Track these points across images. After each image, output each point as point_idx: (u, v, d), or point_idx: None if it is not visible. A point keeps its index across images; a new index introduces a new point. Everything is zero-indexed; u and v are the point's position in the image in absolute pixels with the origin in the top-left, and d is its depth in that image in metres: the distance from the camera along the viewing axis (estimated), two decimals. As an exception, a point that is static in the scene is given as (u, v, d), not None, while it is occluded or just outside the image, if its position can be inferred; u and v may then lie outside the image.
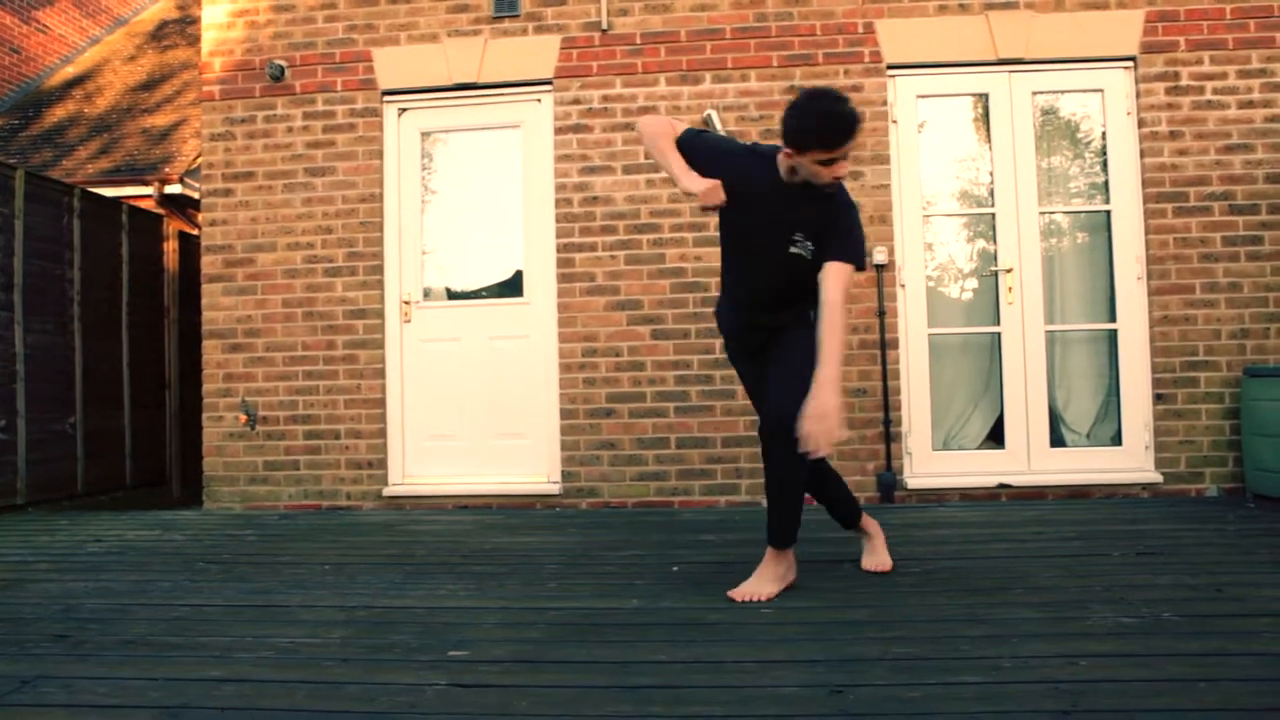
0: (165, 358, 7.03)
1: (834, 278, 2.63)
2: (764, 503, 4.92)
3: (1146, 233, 4.87)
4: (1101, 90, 4.99)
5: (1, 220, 5.38)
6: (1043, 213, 5.02)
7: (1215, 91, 4.86)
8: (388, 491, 5.13)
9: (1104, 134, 5.01)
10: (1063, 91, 5.06)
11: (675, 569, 3.26)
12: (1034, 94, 5.02)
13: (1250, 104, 4.84)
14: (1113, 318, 4.95)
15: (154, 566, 3.54)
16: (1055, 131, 5.11)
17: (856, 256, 2.69)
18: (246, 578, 3.28)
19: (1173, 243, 4.84)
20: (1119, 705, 1.83)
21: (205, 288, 5.34)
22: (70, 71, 10.59)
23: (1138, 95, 4.91)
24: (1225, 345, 4.80)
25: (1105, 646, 2.21)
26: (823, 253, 2.67)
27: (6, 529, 4.69)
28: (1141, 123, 4.89)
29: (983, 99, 5.07)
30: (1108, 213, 4.98)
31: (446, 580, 3.18)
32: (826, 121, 2.52)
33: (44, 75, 10.53)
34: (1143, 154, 4.88)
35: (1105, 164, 5.01)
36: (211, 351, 5.32)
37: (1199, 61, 4.86)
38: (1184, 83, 4.86)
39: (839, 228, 2.68)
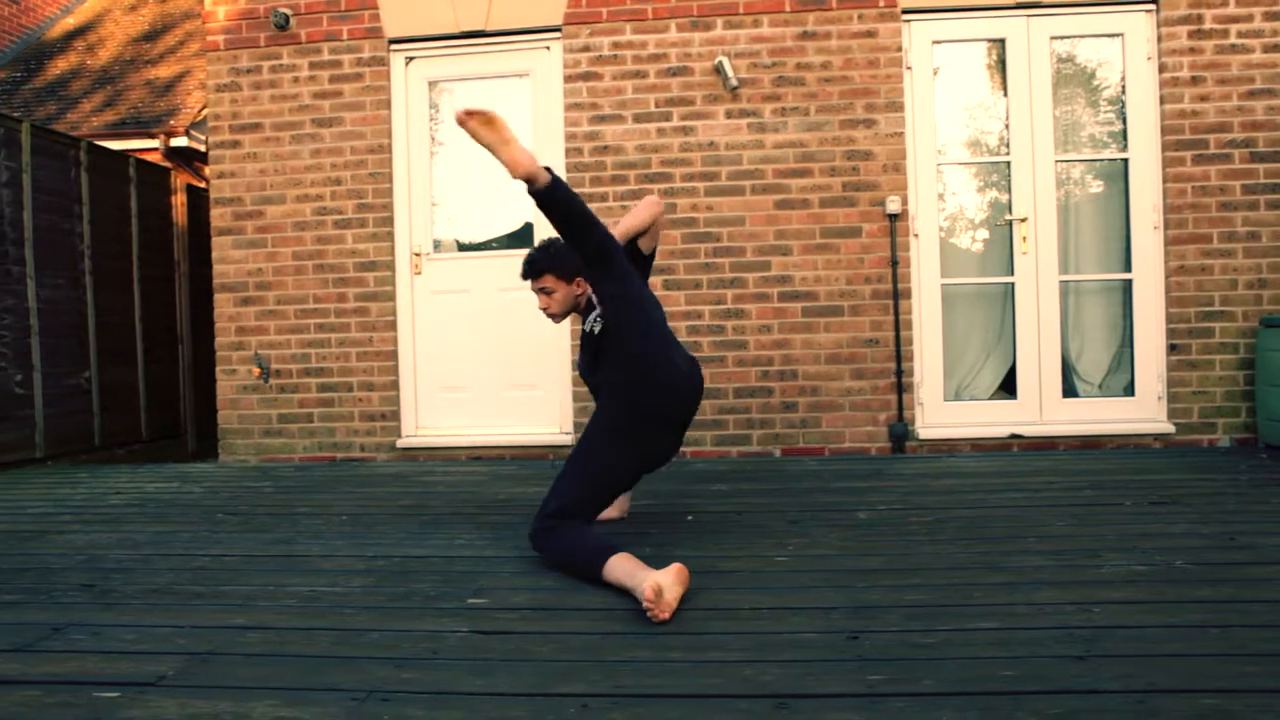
0: (177, 311, 7.05)
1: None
2: (776, 453, 4.96)
3: (1164, 181, 4.81)
4: (1122, 35, 4.89)
5: (9, 174, 5.36)
6: (1059, 161, 4.95)
7: (1240, 35, 4.75)
8: (401, 443, 5.17)
9: (1123, 80, 4.91)
10: (1082, 36, 4.95)
11: (690, 518, 3.29)
12: (1052, 39, 4.92)
13: (1275, 48, 4.73)
14: (1128, 267, 4.91)
15: (174, 518, 3.59)
16: (1073, 78, 5.02)
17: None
18: (265, 528, 3.33)
19: (1191, 191, 4.78)
20: (1133, 650, 1.85)
21: (215, 241, 5.33)
22: (71, 22, 10.46)
23: (1159, 40, 4.80)
24: (1241, 295, 4.76)
25: (1119, 594, 2.23)
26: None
27: (28, 482, 4.75)
28: (1162, 68, 4.80)
29: (999, 45, 4.97)
30: (1125, 161, 4.91)
31: (463, 530, 3.21)
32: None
33: (44, 26, 10.40)
34: (1162, 100, 4.80)
35: (1123, 111, 4.92)
36: (223, 305, 5.33)
37: (1224, 4, 4.75)
38: (1207, 26, 4.75)
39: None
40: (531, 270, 2.97)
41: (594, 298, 2.94)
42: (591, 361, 2.96)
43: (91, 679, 1.85)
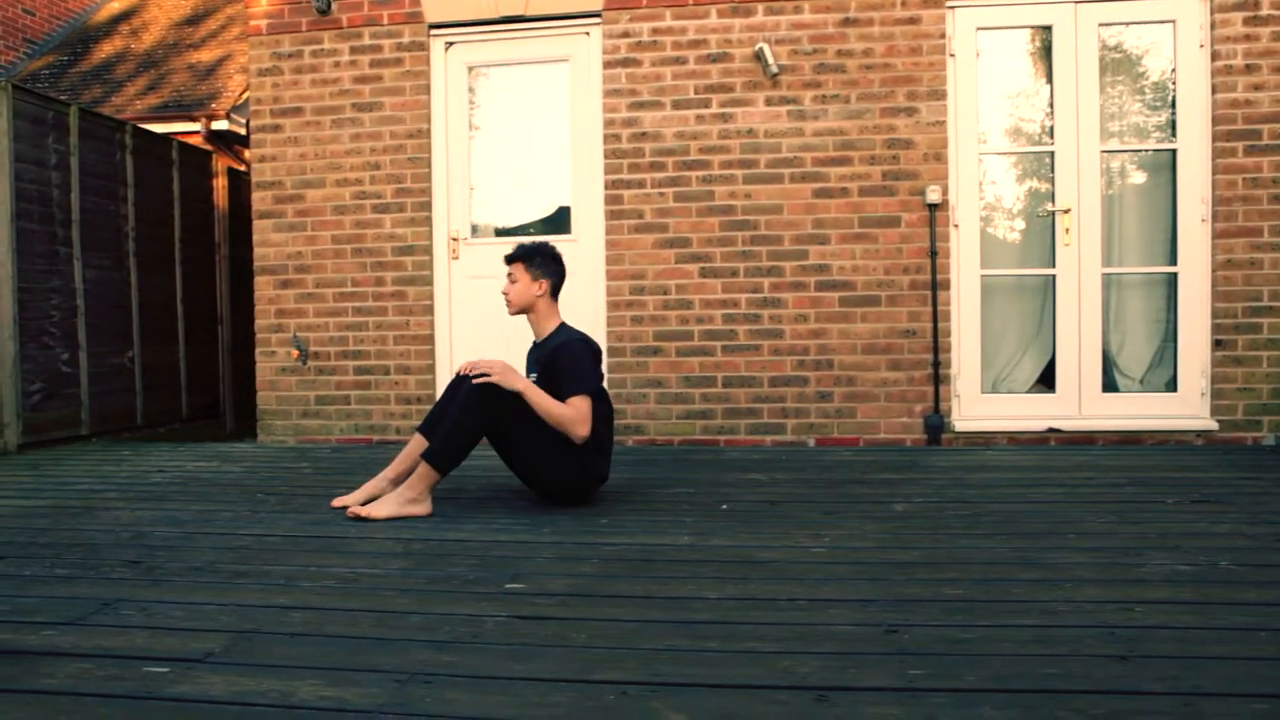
0: (217, 293, 7.15)
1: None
2: (811, 443, 4.93)
3: (1214, 172, 4.70)
4: (1173, 21, 4.78)
5: (57, 157, 5.46)
6: (1104, 151, 4.86)
7: (1295, 22, 4.62)
8: (436, 427, 5.20)
9: (1173, 68, 4.81)
10: (1131, 23, 4.85)
11: (724, 507, 3.29)
12: (1100, 25, 4.82)
13: (1332, 36, 4.60)
14: (1173, 261, 4.82)
15: (215, 497, 3.65)
16: (1120, 65, 4.92)
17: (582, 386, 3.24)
18: (304, 509, 3.38)
19: (1241, 183, 4.67)
20: (1177, 652, 1.82)
21: (256, 224, 5.40)
22: (116, 7, 10.60)
23: (1212, 26, 4.69)
24: (1291, 290, 4.66)
25: (1161, 593, 2.20)
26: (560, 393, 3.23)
27: (74, 458, 4.86)
28: (1215, 55, 4.68)
29: (1045, 31, 4.88)
30: (1173, 151, 4.81)
31: (499, 515, 3.24)
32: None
33: (90, 11, 10.55)
34: (1214, 89, 4.69)
35: (1173, 100, 4.82)
36: (263, 287, 5.40)
37: (1279, -10, 4.63)
38: (1264, 12, 4.63)
39: (560, 369, 3.26)
40: (511, 257, 3.45)
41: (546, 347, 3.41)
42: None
43: (141, 654, 1.89)
